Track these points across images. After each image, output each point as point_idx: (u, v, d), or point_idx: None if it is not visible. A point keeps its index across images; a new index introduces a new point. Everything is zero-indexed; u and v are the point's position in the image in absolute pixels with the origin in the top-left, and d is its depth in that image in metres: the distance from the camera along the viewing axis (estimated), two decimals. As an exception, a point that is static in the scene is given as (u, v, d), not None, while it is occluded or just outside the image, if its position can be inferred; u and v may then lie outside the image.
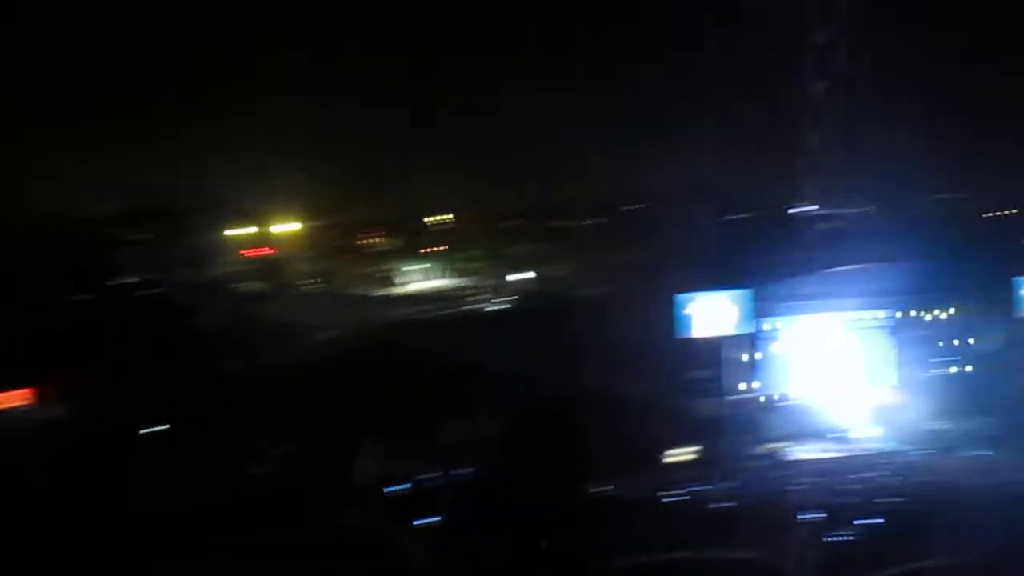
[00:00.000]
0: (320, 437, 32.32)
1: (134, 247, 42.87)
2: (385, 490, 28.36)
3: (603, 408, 33.46)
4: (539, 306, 47.59)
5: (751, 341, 39.44)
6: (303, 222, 52.21)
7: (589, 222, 68.32)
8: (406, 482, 29.37)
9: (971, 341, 41.17)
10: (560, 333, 39.38)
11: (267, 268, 50.02)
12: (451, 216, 61.36)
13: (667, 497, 28.72)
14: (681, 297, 38.76)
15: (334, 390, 34.68)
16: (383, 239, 57.30)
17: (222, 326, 39.55)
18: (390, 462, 30.53)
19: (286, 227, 51.65)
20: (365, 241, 56.83)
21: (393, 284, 54.42)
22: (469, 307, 50.44)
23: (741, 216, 60.63)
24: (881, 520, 27.23)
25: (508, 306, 49.61)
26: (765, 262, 42.95)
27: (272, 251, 51.53)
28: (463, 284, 55.05)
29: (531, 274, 55.55)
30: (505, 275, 54.93)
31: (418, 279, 55.56)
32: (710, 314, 38.97)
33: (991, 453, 34.48)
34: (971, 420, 38.45)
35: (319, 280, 51.52)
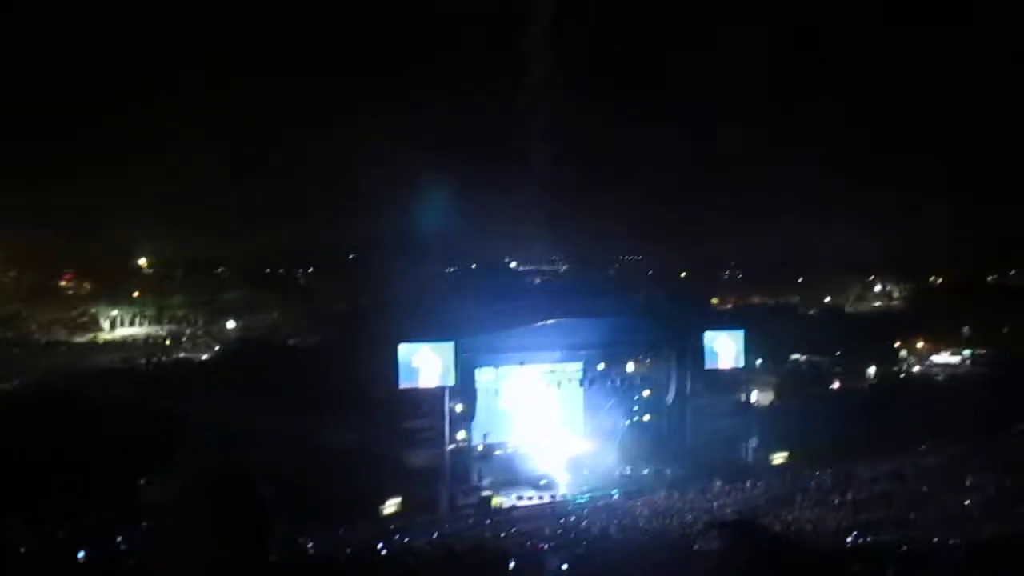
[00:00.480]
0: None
1: None
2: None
3: (314, 458, 33.19)
4: (249, 354, 46.42)
5: (463, 391, 40.71)
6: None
7: (302, 270, 67.87)
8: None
9: (659, 392, 45.28)
10: (272, 382, 38.70)
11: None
12: (155, 261, 58.60)
13: (383, 548, 28.77)
14: (395, 347, 39.21)
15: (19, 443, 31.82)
16: (87, 282, 53.52)
17: None
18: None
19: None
20: (65, 283, 52.81)
21: (96, 329, 50.83)
22: (176, 355, 48.10)
23: (452, 268, 63.12)
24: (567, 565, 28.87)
25: (217, 354, 47.93)
26: (476, 314, 44.88)
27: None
28: (172, 330, 52.52)
29: (241, 321, 54.21)
30: (216, 321, 53.25)
31: (124, 324, 52.31)
32: (424, 364, 39.67)
33: (673, 495, 37.35)
34: (656, 466, 42.16)
35: (8, 326, 47.00)
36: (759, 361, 50.41)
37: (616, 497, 40.26)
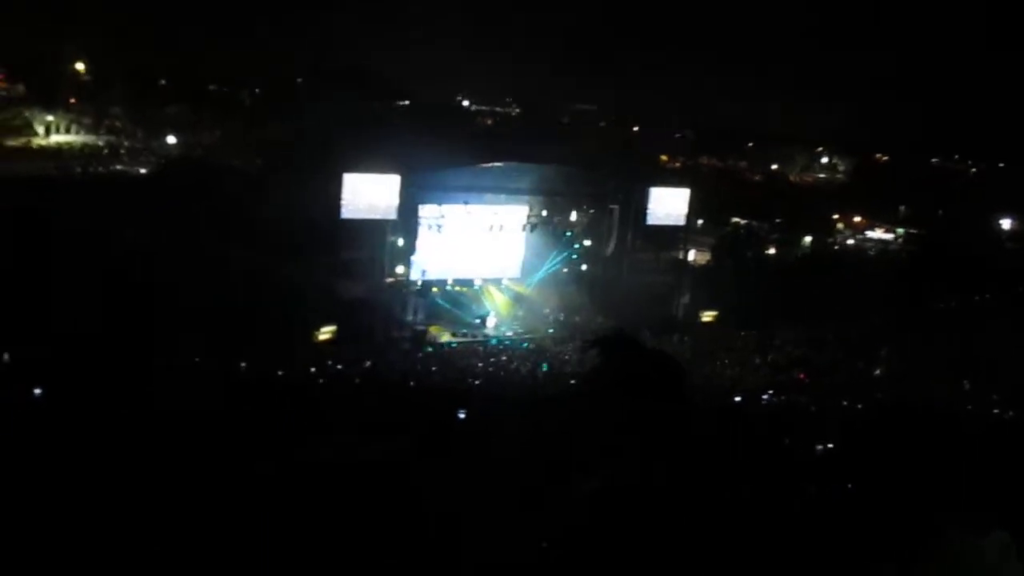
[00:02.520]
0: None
1: None
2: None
3: (252, 284, 33.11)
4: (189, 173, 45.43)
5: (404, 226, 40.66)
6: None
7: (247, 91, 65.74)
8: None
9: (598, 243, 45.78)
10: (211, 203, 38.01)
11: None
12: (94, 67, 56.19)
13: (318, 375, 29.27)
14: (339, 177, 38.72)
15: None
16: (20, 84, 51.22)
17: None
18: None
19: None
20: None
21: (29, 134, 49.03)
22: (113, 166, 46.87)
23: (404, 103, 61.75)
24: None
25: (155, 170, 46.76)
26: (424, 149, 44.30)
27: None
28: (110, 141, 50.94)
29: (182, 138, 52.83)
30: (156, 136, 51.76)
31: (59, 131, 50.51)
32: (367, 196, 39.34)
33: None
34: (590, 315, 43.09)
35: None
36: (699, 221, 51.04)
37: (547, 341, 41.32)
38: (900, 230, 69.23)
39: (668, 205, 45.91)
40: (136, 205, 37.52)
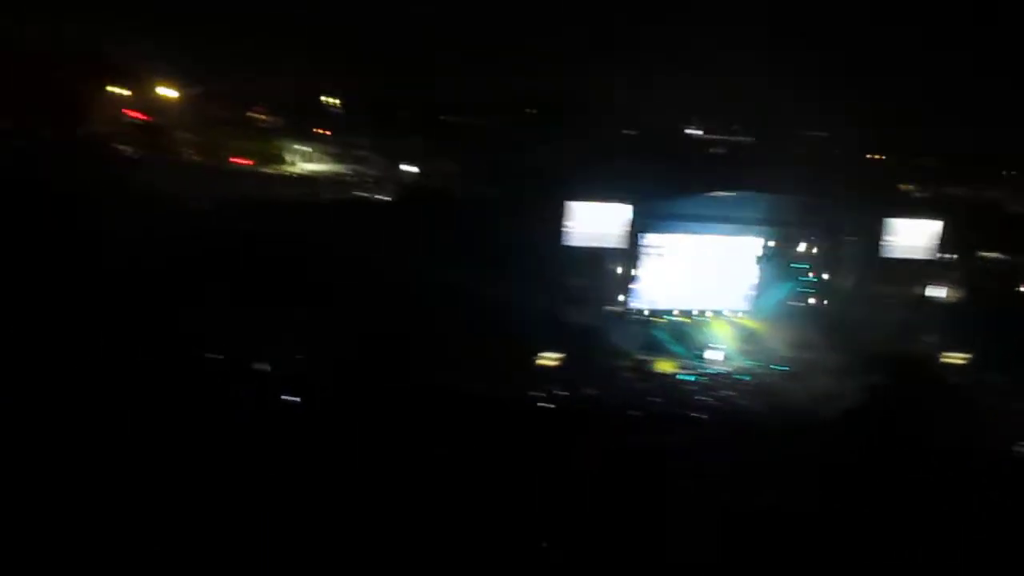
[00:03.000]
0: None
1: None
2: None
3: (476, 307, 33.92)
4: (426, 199, 47.36)
5: (629, 255, 40.50)
6: (189, 89, 50.07)
7: (480, 121, 67.96)
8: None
9: (834, 276, 43.57)
10: (445, 229, 39.39)
11: (148, 133, 47.89)
12: (339, 101, 60.00)
13: (538, 400, 29.57)
14: (565, 205, 39.19)
15: (209, 263, 33.89)
16: (275, 116, 55.64)
17: (95, 188, 37.65)
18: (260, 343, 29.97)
19: (169, 92, 49.40)
20: (257, 116, 55.08)
21: (283, 163, 53.11)
22: (355, 194, 49.68)
23: (631, 131, 61.65)
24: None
25: (395, 197, 49.14)
26: (650, 178, 43.96)
27: (150, 118, 49.33)
28: (354, 170, 54.15)
29: (420, 167, 55.21)
30: (396, 164, 54.41)
31: (309, 160, 54.37)
32: (592, 225, 39.62)
33: (837, 383, 36.29)
34: (824, 351, 40.89)
35: (204, 152, 49.76)
36: (948, 255, 47.36)
37: (776, 377, 39.69)
38: None
39: (911, 237, 43.13)
40: (378, 229, 39.48)
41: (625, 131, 59.33)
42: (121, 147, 45.61)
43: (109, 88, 46.93)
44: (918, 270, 43.86)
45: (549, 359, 36.94)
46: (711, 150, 62.97)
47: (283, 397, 24.21)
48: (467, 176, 53.33)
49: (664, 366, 40.39)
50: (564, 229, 38.77)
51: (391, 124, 59.45)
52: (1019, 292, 51.01)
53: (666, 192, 41.70)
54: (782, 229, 43.04)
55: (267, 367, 26.98)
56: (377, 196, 49.54)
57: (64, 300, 26.83)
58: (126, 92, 47.69)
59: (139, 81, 47.86)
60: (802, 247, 43.84)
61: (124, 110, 47.62)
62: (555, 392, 32.76)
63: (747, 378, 39.70)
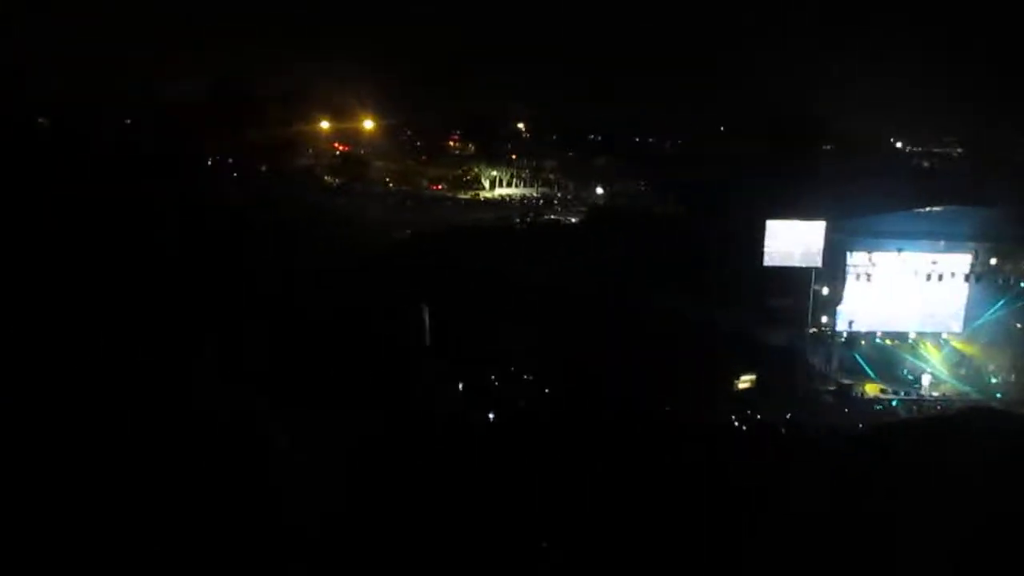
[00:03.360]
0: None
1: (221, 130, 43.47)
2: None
3: (681, 329, 33.56)
4: (615, 220, 47.47)
5: (830, 274, 39.06)
6: (388, 120, 52.48)
7: (668, 141, 67.47)
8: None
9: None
10: (635, 249, 39.25)
11: (351, 163, 50.56)
12: (526, 125, 61.24)
13: (738, 421, 28.90)
14: (763, 223, 38.31)
15: (411, 288, 35.13)
16: (469, 143, 57.49)
17: (305, 217, 39.96)
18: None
19: (371, 124, 51.92)
20: (452, 144, 57.10)
21: (477, 187, 54.73)
22: (548, 215, 50.47)
23: (833, 147, 59.42)
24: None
25: (586, 218, 49.56)
26: (853, 194, 42.23)
27: (352, 148, 52.01)
28: (544, 192, 55.06)
29: (609, 188, 55.44)
30: (585, 186, 54.91)
31: (501, 184, 55.76)
32: (791, 243, 38.56)
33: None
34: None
35: (402, 179, 52.08)
36: None
37: (994, 404, 37.03)
38: None
39: None
40: (571, 251, 39.88)
41: (824, 146, 57.30)
42: (328, 177, 48.42)
43: (319, 123, 50.00)
44: None
45: (748, 382, 36.08)
46: (919, 163, 59.76)
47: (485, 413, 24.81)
48: (653, 196, 53.08)
49: (868, 390, 38.57)
50: (764, 248, 37.82)
51: (579, 145, 60.07)
52: None
53: (872, 208, 39.92)
54: (998, 245, 40.16)
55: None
56: (568, 218, 50.10)
57: (260, 320, 28.52)
58: (332, 125, 50.61)
59: (344, 115, 50.67)
60: (1017, 263, 40.76)
61: (332, 143, 50.57)
62: (753, 415, 31.91)
63: (957, 403, 37.27)
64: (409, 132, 56.01)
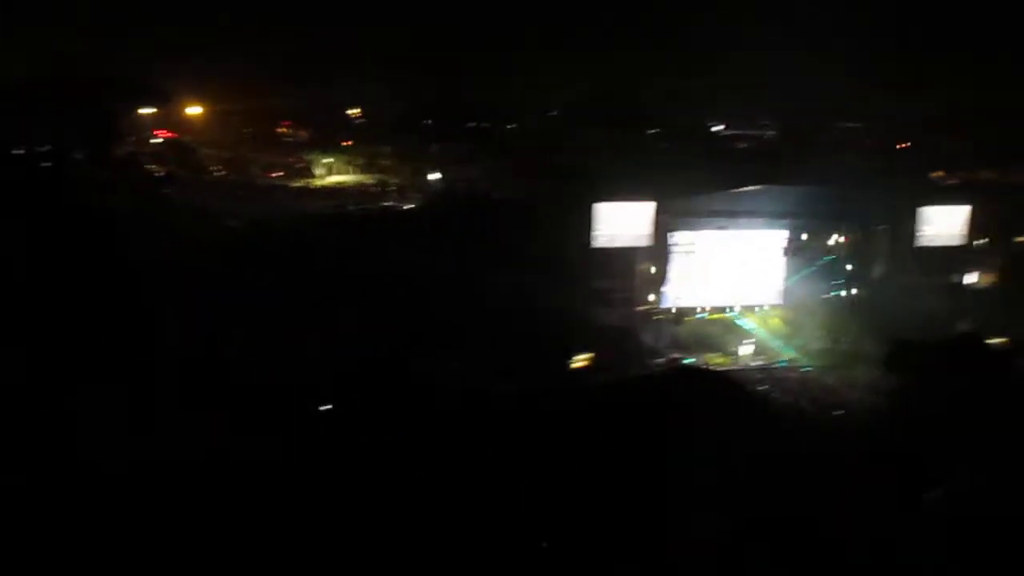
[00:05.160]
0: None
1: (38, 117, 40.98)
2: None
3: (507, 310, 34.03)
4: (451, 206, 47.55)
5: (657, 254, 40.50)
6: (216, 106, 50.74)
7: (504, 126, 68.21)
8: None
9: (865, 266, 43.29)
10: (471, 234, 39.54)
11: (178, 151, 48.59)
12: (360, 111, 60.50)
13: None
14: (592, 206, 39.27)
15: (244, 278, 34.25)
16: (301, 130, 56.27)
17: (129, 206, 38.22)
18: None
19: (197, 110, 50.06)
20: (282, 130, 55.71)
21: (310, 176, 53.61)
22: (384, 204, 50.04)
23: (655, 130, 61.61)
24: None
25: (421, 204, 49.41)
26: (675, 176, 43.94)
27: (177, 135, 50.04)
28: (379, 180, 54.54)
29: (445, 174, 55.49)
30: (420, 172, 54.72)
31: (335, 172, 54.86)
32: (619, 225, 39.67)
33: (875, 373, 35.86)
34: (858, 342, 40.41)
35: (232, 167, 50.42)
36: (980, 241, 46.87)
37: (811, 370, 39.46)
38: None
39: (943, 224, 42.84)
40: (405, 237, 39.74)
41: (649, 130, 59.39)
42: (152, 166, 46.36)
43: (139, 110, 47.77)
44: (951, 257, 43.48)
45: (582, 360, 36.98)
46: (737, 145, 62.76)
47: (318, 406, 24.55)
48: (492, 180, 53.56)
49: (696, 363, 40.30)
50: (592, 230, 38.79)
51: (414, 131, 59.88)
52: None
53: (693, 189, 41.64)
54: (812, 221, 42.81)
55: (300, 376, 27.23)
56: (404, 205, 49.86)
57: (94, 315, 27.27)
58: (154, 111, 48.48)
59: (167, 100, 48.63)
60: (833, 239, 43.55)
61: (154, 130, 48.43)
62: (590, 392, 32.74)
63: (782, 373, 39.49)
64: (239, 119, 54.32)
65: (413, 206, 48.84)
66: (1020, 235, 51.87)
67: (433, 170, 55.25)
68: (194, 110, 49.90)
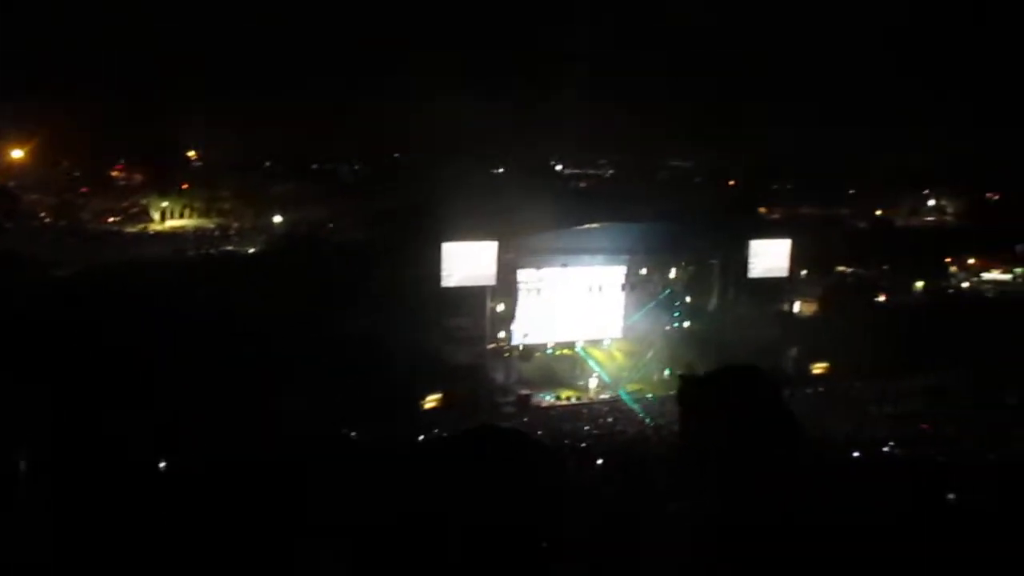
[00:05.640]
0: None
1: None
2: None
3: (361, 353, 33.71)
4: (296, 249, 46.92)
5: (504, 291, 41.07)
6: (41, 150, 48.36)
7: (348, 167, 67.94)
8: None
9: (700, 298, 45.28)
10: (317, 278, 39.12)
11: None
12: (197, 152, 59.02)
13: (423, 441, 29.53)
14: (439, 246, 39.50)
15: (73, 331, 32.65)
16: (136, 172, 54.29)
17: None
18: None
19: (19, 154, 47.59)
20: (116, 173, 53.58)
21: (147, 220, 51.71)
22: (224, 247, 48.79)
23: (499, 169, 62.84)
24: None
25: (264, 248, 48.55)
26: (520, 215, 44.83)
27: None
28: (220, 223, 53.21)
29: (288, 216, 54.74)
30: (263, 215, 53.81)
31: (174, 216, 53.15)
32: (466, 264, 40.01)
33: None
34: (691, 371, 41.87)
35: (62, 213, 48.05)
36: (804, 272, 49.96)
37: (653, 400, 40.69)
38: (1019, 269, 66.20)
39: (770, 257, 45.27)
40: (246, 282, 38.89)
41: (492, 170, 60.56)
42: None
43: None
44: (778, 287, 45.99)
45: (434, 400, 37.03)
46: (579, 184, 64.82)
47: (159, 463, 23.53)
48: (336, 223, 53.15)
49: (544, 398, 41.01)
50: (438, 270, 38.99)
51: (255, 172, 58.86)
52: (873, 302, 54.10)
53: (538, 227, 42.54)
54: (649, 257, 44.43)
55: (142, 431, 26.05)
56: (246, 248, 48.83)
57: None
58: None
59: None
60: (671, 274, 45.36)
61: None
62: (438, 433, 32.73)
63: (627, 405, 40.59)
64: (67, 162, 51.98)
65: (255, 250, 47.84)
66: (838, 265, 55.65)
67: (275, 212, 54.40)
68: (17, 154, 47.39)
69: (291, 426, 25.99)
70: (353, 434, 28.52)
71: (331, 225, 53.06)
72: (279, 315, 34.82)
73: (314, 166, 66.86)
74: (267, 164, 61.39)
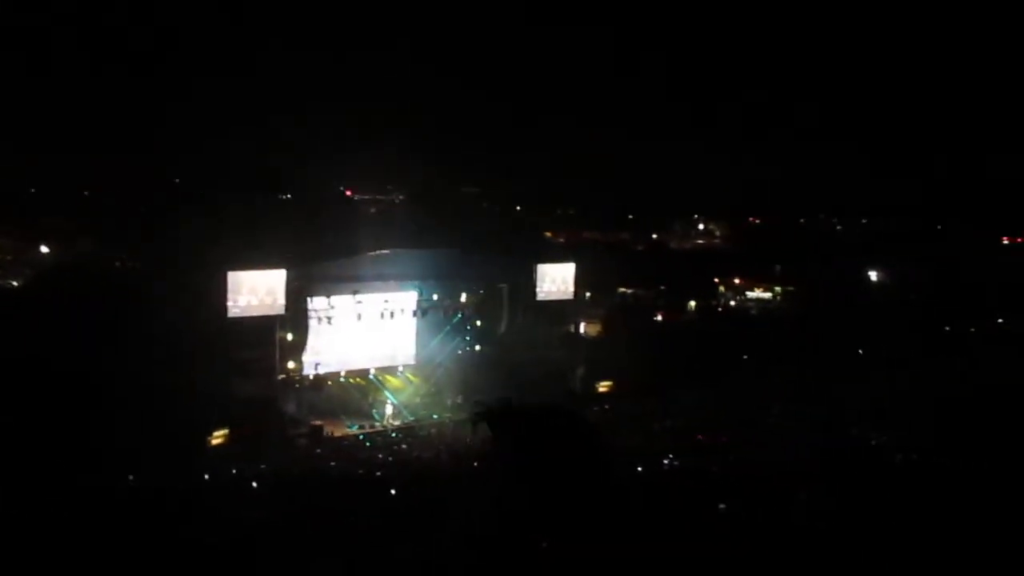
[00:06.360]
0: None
1: None
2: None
3: (136, 391, 31.92)
4: (65, 281, 43.96)
5: (294, 321, 40.22)
6: None
7: (122, 194, 64.54)
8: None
9: (490, 322, 46.13)
10: (91, 311, 36.81)
11: None
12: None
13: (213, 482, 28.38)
14: (224, 275, 38.17)
15: None
16: None
17: None
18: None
19: None
20: None
21: None
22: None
23: (286, 196, 61.60)
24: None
25: (31, 281, 45.20)
26: (308, 242, 44.13)
27: None
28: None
29: (57, 247, 51.33)
30: (29, 248, 50.15)
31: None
32: (253, 293, 38.86)
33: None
34: (483, 396, 42.43)
35: None
36: (588, 294, 52.04)
37: (447, 425, 40.96)
38: (778, 288, 71.85)
39: (556, 280, 46.85)
40: (10, 317, 36.22)
41: (279, 196, 59.28)
42: None
43: None
44: (564, 309, 47.62)
45: (221, 437, 35.63)
46: (365, 209, 64.57)
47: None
48: (110, 253, 50.30)
49: (338, 428, 40.36)
50: (223, 300, 37.62)
51: (18, 202, 54.90)
52: (652, 322, 57.15)
53: (325, 255, 42.02)
54: (440, 282, 44.83)
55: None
56: (10, 281, 45.32)
57: None
58: None
59: None
60: (461, 298, 45.98)
61: None
62: (230, 470, 31.56)
63: (421, 431, 40.63)
64: None
65: (18, 283, 44.49)
66: (619, 287, 58.45)
67: (43, 244, 50.85)
68: None
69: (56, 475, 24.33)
70: (131, 478, 26.99)
71: (105, 255, 50.13)
72: (48, 354, 32.49)
73: (86, 193, 63.12)
74: (32, 191, 57.36)
